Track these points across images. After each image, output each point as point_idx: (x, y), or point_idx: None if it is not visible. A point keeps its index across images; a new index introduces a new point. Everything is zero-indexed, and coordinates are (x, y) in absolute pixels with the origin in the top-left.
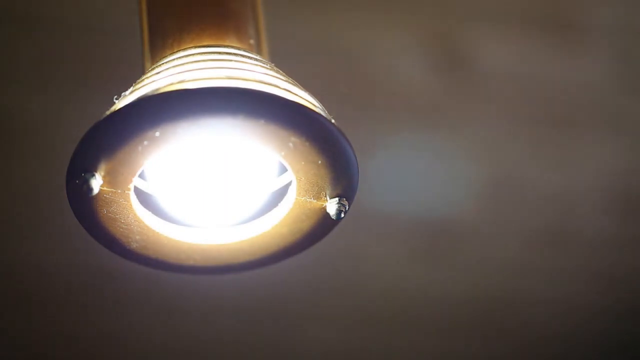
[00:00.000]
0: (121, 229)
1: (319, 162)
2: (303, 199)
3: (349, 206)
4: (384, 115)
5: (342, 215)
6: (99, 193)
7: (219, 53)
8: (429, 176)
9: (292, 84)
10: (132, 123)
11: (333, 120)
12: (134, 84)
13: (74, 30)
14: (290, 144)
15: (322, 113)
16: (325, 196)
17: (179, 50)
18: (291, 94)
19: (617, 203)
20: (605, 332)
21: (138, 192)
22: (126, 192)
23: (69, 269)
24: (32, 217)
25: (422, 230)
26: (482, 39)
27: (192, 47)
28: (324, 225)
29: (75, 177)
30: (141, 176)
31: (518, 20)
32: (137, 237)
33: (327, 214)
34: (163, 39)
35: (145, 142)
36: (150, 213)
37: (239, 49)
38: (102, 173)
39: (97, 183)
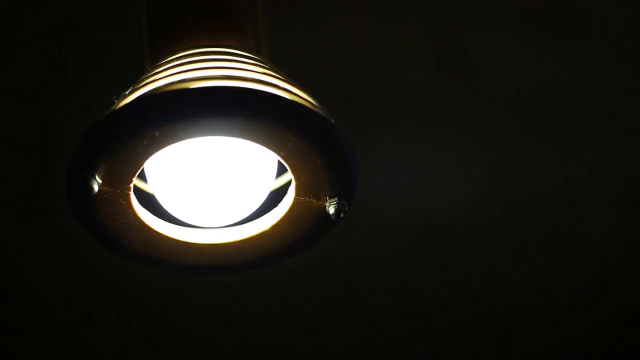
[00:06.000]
0: (121, 229)
1: (319, 162)
2: (303, 199)
3: (348, 206)
4: (384, 115)
5: (342, 215)
6: (98, 193)
7: (219, 53)
8: (429, 176)
9: (292, 84)
10: (132, 123)
11: (332, 120)
12: (134, 84)
13: (74, 30)
14: (290, 144)
15: (322, 113)
16: (325, 196)
17: (179, 51)
18: (290, 94)
19: (618, 203)
20: (607, 331)
21: (138, 192)
22: (126, 192)
23: (68, 269)
24: (32, 217)
25: (423, 230)
26: (482, 39)
27: (192, 48)
28: (323, 225)
29: (75, 177)
30: (141, 176)
31: (518, 20)
32: (137, 237)
33: (327, 214)
34: (163, 39)
35: (145, 142)
36: (150, 213)
37: (238, 49)
38: (102, 173)
39: (96, 183)
